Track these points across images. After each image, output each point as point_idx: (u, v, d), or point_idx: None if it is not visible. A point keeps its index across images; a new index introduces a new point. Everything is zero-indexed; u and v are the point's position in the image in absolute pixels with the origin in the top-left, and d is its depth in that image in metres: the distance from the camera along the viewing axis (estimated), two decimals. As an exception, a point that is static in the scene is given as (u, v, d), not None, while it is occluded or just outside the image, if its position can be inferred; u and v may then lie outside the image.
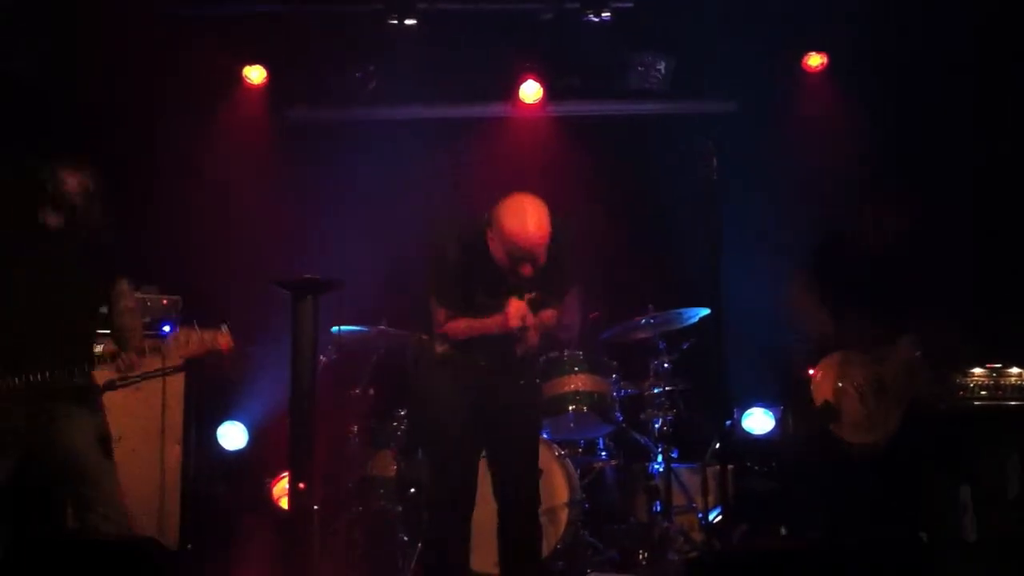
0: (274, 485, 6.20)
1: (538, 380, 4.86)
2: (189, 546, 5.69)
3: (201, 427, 6.03)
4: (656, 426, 5.92)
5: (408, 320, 5.59)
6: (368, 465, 5.87)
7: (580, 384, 5.69)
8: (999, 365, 5.07)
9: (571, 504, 5.49)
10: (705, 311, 5.77)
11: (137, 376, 4.94)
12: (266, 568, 5.69)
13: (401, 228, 6.34)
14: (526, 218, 4.14)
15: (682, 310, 5.87)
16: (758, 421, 6.41)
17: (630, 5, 6.40)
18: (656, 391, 5.93)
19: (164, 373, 5.41)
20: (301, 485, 5.19)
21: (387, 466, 5.80)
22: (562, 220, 4.27)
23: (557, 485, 5.48)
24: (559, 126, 7.10)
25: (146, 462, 5.57)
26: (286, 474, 5.76)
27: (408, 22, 6.38)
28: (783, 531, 5.74)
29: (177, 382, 5.65)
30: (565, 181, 6.46)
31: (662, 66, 6.84)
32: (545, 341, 4.65)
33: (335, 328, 5.95)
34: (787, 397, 5.90)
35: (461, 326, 4.34)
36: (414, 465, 5.63)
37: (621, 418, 5.84)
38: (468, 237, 4.28)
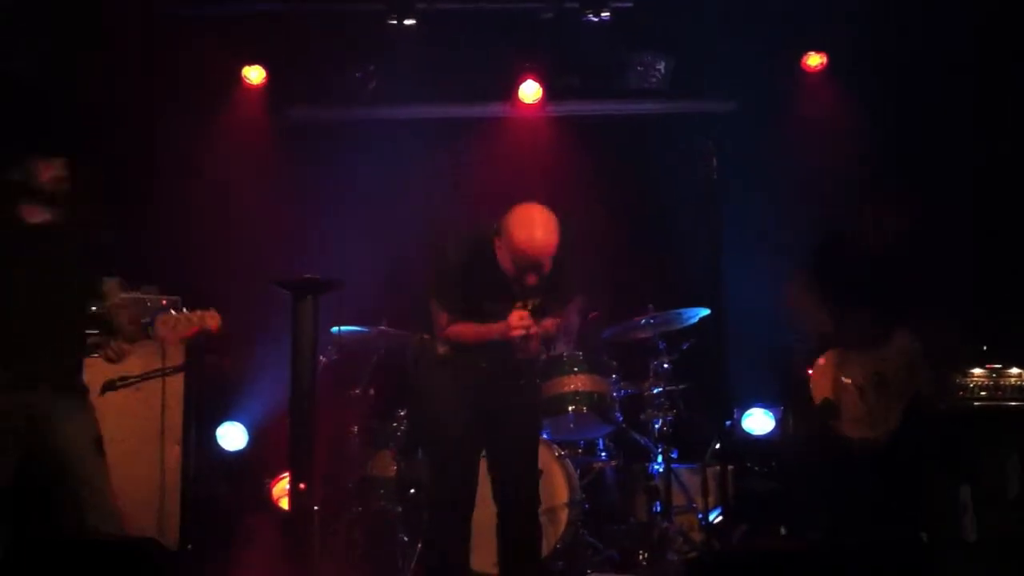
0: (274, 485, 6.20)
1: (538, 380, 4.85)
2: (189, 546, 5.67)
3: (201, 427, 6.02)
4: (656, 426, 5.91)
5: (408, 320, 5.58)
6: (368, 465, 5.86)
7: (580, 384, 5.67)
8: (999, 365, 5.08)
9: (571, 504, 5.48)
10: (705, 311, 5.77)
11: (137, 376, 4.95)
12: (266, 568, 5.68)
13: (401, 228, 6.36)
14: (535, 229, 4.18)
15: (682, 310, 5.86)
16: (758, 421, 6.42)
17: (629, 5, 6.39)
18: (656, 391, 5.92)
19: (164, 373, 5.42)
20: (301, 485, 5.20)
21: (387, 466, 5.79)
22: (562, 220, 4.28)
23: (557, 485, 5.47)
24: (559, 126, 7.09)
25: (146, 462, 5.55)
26: (286, 474, 5.77)
27: (408, 22, 6.38)
28: (783, 531, 5.73)
29: (177, 382, 5.64)
30: (565, 181, 6.47)
31: (662, 66, 6.84)
32: (545, 347, 4.65)
33: (335, 328, 5.94)
34: (787, 397, 5.91)
35: (463, 331, 4.35)
36: (414, 465, 5.63)
37: (621, 418, 5.83)
38: (475, 244, 4.31)
